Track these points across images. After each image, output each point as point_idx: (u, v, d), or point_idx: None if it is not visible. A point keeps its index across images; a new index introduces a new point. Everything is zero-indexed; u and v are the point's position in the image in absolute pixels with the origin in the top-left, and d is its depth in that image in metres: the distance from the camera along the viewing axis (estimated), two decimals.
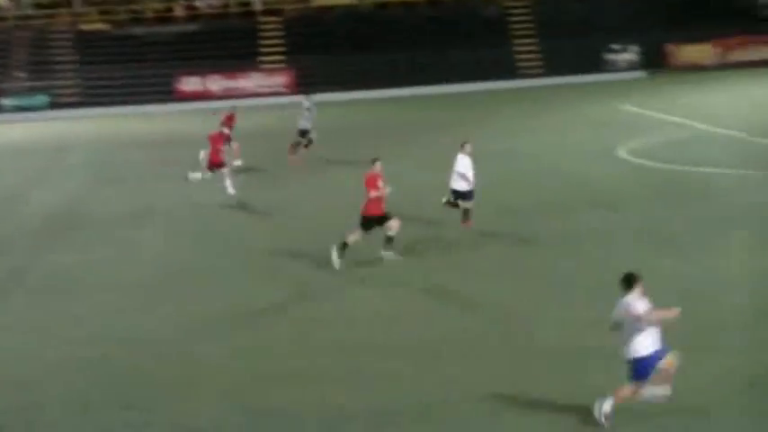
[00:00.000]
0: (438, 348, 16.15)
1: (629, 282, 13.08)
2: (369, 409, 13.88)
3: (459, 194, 23.65)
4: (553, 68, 57.43)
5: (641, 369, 12.82)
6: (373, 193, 20.91)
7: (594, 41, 58.13)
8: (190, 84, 57.11)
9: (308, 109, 33.86)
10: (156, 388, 15.14)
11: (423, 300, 18.81)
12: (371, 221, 21.08)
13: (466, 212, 23.69)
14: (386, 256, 21.21)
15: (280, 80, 57.55)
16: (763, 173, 27.71)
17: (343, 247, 21.00)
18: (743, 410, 13.02)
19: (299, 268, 21.36)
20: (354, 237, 21.09)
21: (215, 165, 29.08)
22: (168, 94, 56.46)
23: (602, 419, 12.88)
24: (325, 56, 56.68)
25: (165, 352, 16.68)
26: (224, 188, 28.45)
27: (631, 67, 59.09)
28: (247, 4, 61.21)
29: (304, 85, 55.40)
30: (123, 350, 16.86)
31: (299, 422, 13.65)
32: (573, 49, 57.39)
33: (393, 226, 21.05)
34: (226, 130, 31.50)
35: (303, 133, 33.71)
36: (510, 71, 57.55)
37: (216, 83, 57.22)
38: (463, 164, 23.54)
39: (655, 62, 58.71)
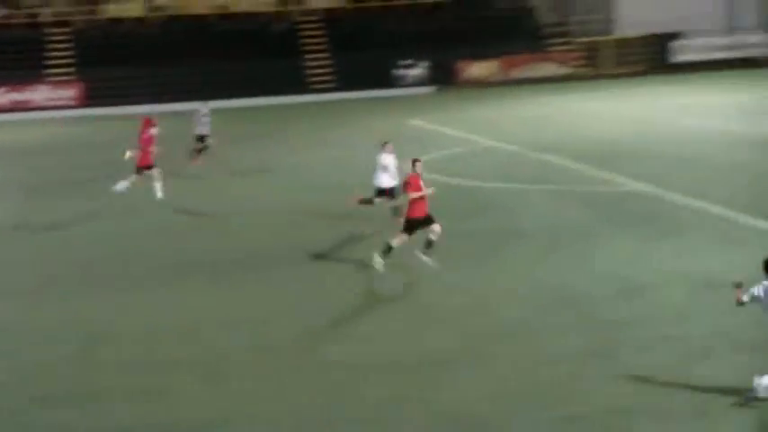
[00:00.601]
0: (222, 364, 16.29)
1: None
2: (148, 426, 13.94)
3: (383, 191, 24.60)
4: (345, 83, 58.32)
5: None
6: (413, 195, 20.46)
7: (385, 57, 59.28)
8: None
9: (204, 115, 35.32)
10: None
11: (207, 314, 18.91)
12: (415, 224, 20.66)
13: (396, 210, 24.47)
14: (425, 260, 20.72)
15: (69, 93, 56.61)
16: (540, 186, 28.87)
17: (388, 250, 20.74)
18: (520, 422, 13.54)
19: (88, 283, 21.23)
20: (399, 240, 20.74)
21: (144, 167, 28.95)
22: None
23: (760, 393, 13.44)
24: (116, 68, 56.10)
25: None
26: (154, 191, 28.59)
27: (421, 82, 60.50)
28: (34, 15, 59.98)
29: (94, 98, 54.83)
30: None
31: None
32: (364, 64, 58.42)
33: (436, 230, 20.66)
34: (153, 131, 30.98)
35: (202, 138, 35.08)
36: (301, 85, 58.16)
37: (1, 96, 55.88)
38: (389, 161, 24.58)
39: (443, 78, 60.30)
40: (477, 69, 61.92)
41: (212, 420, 14.11)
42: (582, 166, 31.77)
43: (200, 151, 35.20)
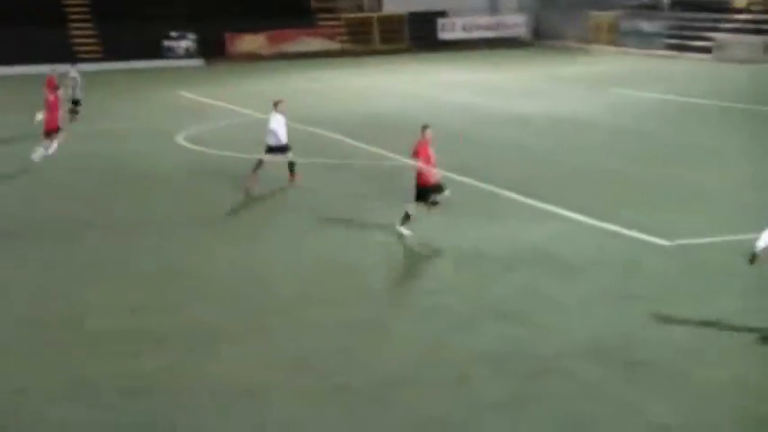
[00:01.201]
0: None
1: None
2: None
3: (272, 149, 25.44)
4: (112, 53, 57.39)
5: None
6: (422, 163, 20.49)
7: (153, 28, 58.62)
8: None
9: (73, 78, 36.34)
10: None
11: None
12: (426, 192, 20.59)
13: (291, 167, 25.50)
14: (405, 232, 20.76)
15: None
16: (312, 160, 29.28)
17: (407, 218, 20.69)
18: (293, 391, 13.78)
19: None
20: (413, 207, 20.75)
21: (53, 130, 28.91)
22: None
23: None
24: None
25: None
26: (45, 149, 28.88)
27: (189, 54, 60.10)
28: None
29: None
30: None
31: None
32: (132, 35, 57.62)
33: (446, 194, 20.69)
34: (57, 94, 30.51)
35: (76, 102, 35.95)
36: (66, 55, 56.79)
37: None
38: (276, 120, 25.39)
39: (212, 51, 60.07)
40: (247, 43, 61.90)
41: None
42: (352, 141, 32.40)
43: (73, 115, 35.89)
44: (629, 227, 20.89)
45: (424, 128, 21.01)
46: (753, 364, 14.04)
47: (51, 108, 29.26)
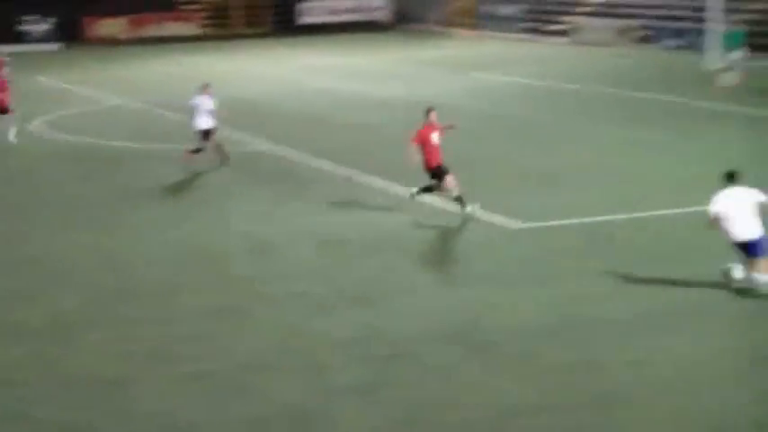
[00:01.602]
0: None
1: (732, 177, 15.75)
2: None
3: (206, 133, 25.77)
4: None
5: (760, 247, 15.45)
6: (417, 146, 20.49)
7: (9, 11, 57.50)
8: None
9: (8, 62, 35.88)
10: None
11: None
12: (438, 171, 20.47)
13: (198, 151, 25.76)
14: (471, 210, 20.55)
15: None
16: (171, 146, 29.14)
17: (459, 199, 20.47)
18: (148, 380, 13.77)
19: None
20: (451, 185, 20.48)
21: (3, 111, 28.94)
22: None
23: (735, 277, 15.73)
24: None
25: None
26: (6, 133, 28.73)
27: (47, 38, 59.08)
28: None
29: None
30: None
31: None
32: None
33: (450, 184, 20.44)
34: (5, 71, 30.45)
35: None
36: None
37: None
38: (209, 103, 25.93)
39: (71, 34, 59.16)
40: (106, 27, 61.08)
41: None
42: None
43: None
44: (482, 210, 21.29)
45: (428, 111, 21.03)
46: (602, 346, 14.43)
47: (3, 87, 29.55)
